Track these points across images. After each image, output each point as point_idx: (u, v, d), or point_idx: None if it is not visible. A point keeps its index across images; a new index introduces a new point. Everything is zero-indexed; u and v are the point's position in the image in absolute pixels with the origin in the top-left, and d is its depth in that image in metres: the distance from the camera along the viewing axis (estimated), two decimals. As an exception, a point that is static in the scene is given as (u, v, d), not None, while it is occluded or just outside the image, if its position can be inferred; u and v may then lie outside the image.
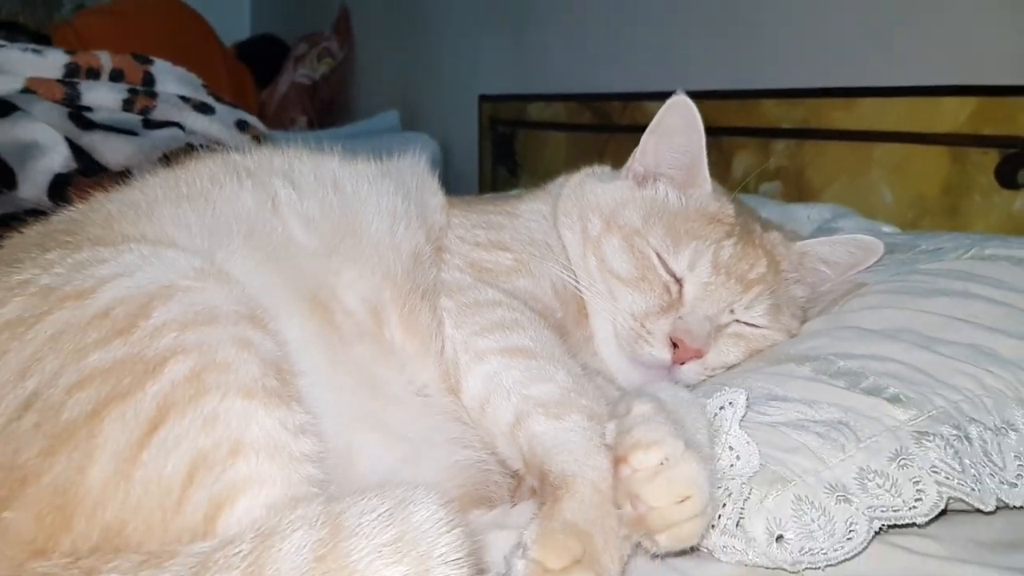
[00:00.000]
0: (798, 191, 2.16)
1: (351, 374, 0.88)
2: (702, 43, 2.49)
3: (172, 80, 1.78)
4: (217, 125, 1.72)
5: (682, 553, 0.82)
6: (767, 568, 0.80)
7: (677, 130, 1.10)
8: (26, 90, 1.55)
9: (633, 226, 1.08)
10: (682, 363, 1.03)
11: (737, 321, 1.07)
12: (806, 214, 1.51)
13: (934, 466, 0.83)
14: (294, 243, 0.94)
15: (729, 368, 1.06)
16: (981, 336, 1.00)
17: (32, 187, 1.35)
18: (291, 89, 4.60)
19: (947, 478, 0.83)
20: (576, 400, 0.88)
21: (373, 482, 0.81)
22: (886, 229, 1.45)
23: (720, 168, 2.35)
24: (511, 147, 3.35)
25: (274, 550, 0.59)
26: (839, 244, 1.14)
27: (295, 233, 0.95)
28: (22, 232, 0.99)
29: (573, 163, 2.94)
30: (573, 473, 0.80)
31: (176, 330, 0.74)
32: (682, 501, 0.72)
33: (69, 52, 1.68)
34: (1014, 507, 0.89)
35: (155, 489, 0.67)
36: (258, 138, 1.80)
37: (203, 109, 1.71)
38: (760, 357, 1.05)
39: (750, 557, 0.81)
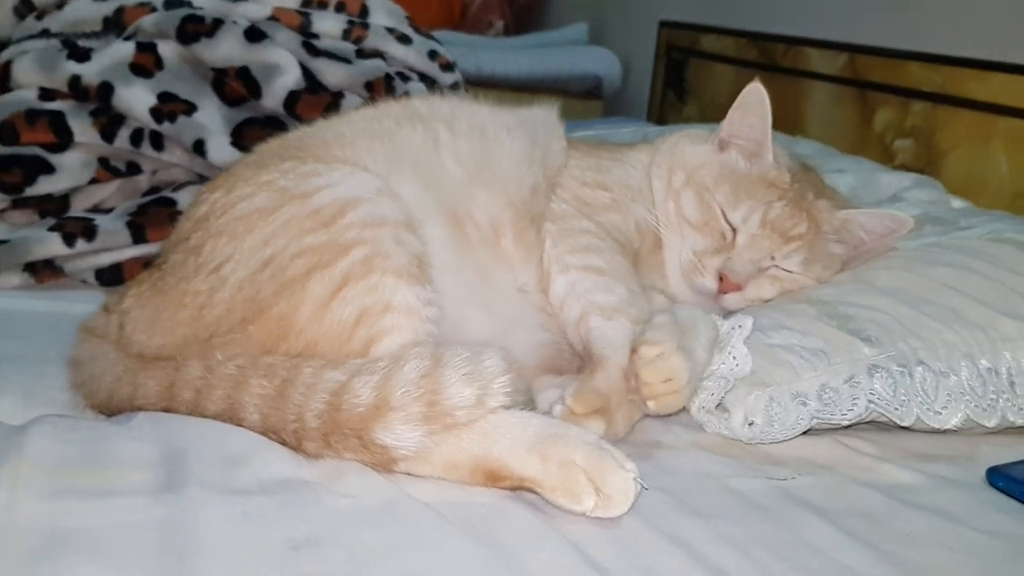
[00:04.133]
0: (927, 151, 2.35)
1: (471, 268, 1.28)
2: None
3: (382, 12, 2.18)
4: (413, 54, 2.11)
5: (684, 425, 1.19)
6: (730, 439, 1.15)
7: (751, 110, 1.40)
8: (272, 17, 1.99)
9: (705, 183, 1.40)
10: (725, 293, 1.35)
11: (776, 266, 1.37)
12: (888, 180, 1.75)
13: (872, 390, 1.15)
14: (446, 173, 1.33)
15: (765, 302, 1.38)
16: (960, 302, 1.27)
17: (272, 99, 1.79)
18: (492, -7, 4.91)
19: (879, 400, 1.14)
20: (626, 308, 1.23)
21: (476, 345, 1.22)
22: (956, 204, 1.68)
23: (863, 119, 2.56)
24: (682, 74, 3.60)
25: (400, 366, 1.00)
26: (875, 216, 1.42)
27: (448, 166, 1.33)
28: (267, 142, 1.43)
29: (734, 96, 3.22)
30: (607, 356, 1.17)
31: (359, 228, 1.14)
32: (665, 381, 1.08)
33: (305, -15, 2.12)
34: (943, 431, 1.19)
35: (336, 326, 1.09)
36: (446, 65, 2.18)
37: (403, 40, 2.10)
38: (789, 296, 1.36)
39: (725, 432, 1.16)
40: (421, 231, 1.22)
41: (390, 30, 2.10)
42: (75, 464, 0.96)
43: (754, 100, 1.40)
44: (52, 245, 1.56)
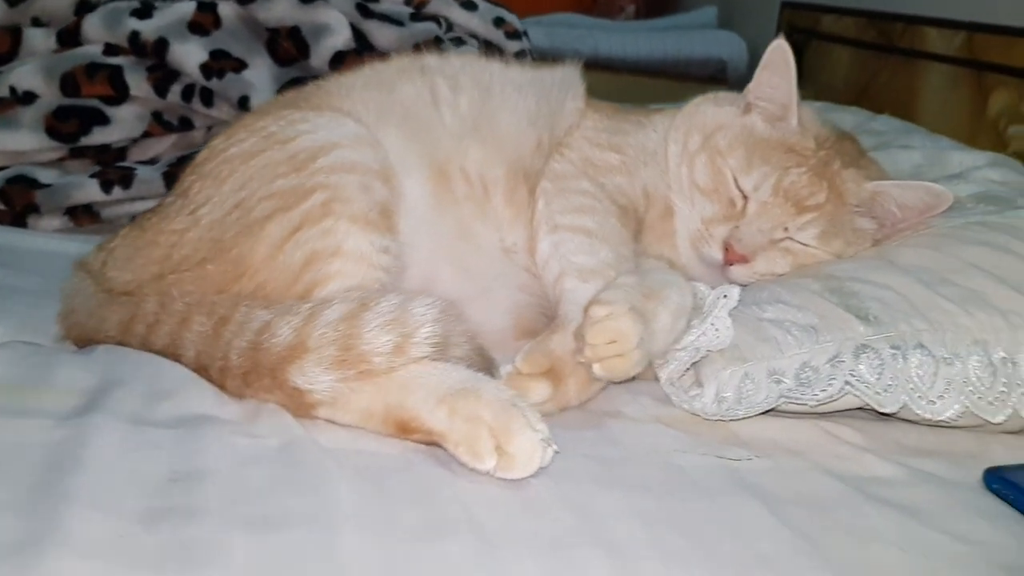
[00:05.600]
0: (1043, 138, 2.13)
1: (451, 224, 1.23)
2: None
3: (452, -22, 2.17)
4: (477, 20, 2.08)
5: (654, 398, 1.11)
6: (691, 414, 1.07)
7: (775, 70, 1.29)
8: (333, -21, 2.01)
9: (719, 147, 1.30)
10: (731, 264, 1.25)
11: (790, 239, 1.26)
12: (959, 158, 1.58)
13: (853, 371, 1.03)
14: (441, 126, 1.29)
15: (778, 276, 1.27)
16: (985, 283, 1.13)
17: (319, 59, 1.80)
18: (624, -24, 4.82)
19: (858, 382, 1.02)
20: (605, 271, 1.16)
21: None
22: (1032, 185, 1.50)
23: (975, 104, 2.35)
24: (801, 57, 3.40)
25: (327, 308, 0.97)
26: (910, 188, 1.28)
27: (444, 119, 1.29)
28: (284, 94, 1.43)
29: (852, 80, 3.03)
30: (570, 319, 1.10)
31: (326, 172, 1.12)
32: (610, 343, 1.00)
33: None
34: (941, 424, 1.06)
35: (286, 268, 1.07)
36: (513, 32, 2.14)
37: (467, 6, 2.07)
38: (802, 270, 1.25)
39: (685, 405, 1.07)
40: (398, 181, 1.19)
41: (455, -4, 2.08)
42: (11, 385, 0.98)
43: (778, 59, 1.29)
44: (90, 191, 1.62)
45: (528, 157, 1.31)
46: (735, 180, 1.27)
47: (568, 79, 1.43)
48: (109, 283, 1.16)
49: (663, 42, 3.90)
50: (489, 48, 2.11)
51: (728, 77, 3.87)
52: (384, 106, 1.28)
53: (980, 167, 1.55)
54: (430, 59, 1.40)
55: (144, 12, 1.83)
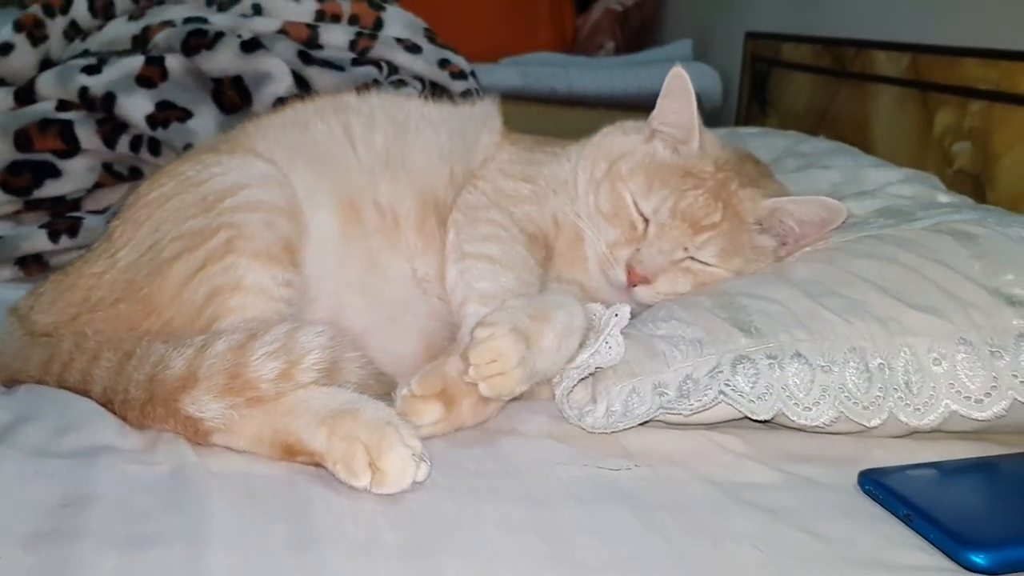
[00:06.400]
0: (984, 154, 2.17)
1: (359, 256, 1.28)
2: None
3: (399, 24, 2.23)
4: (421, 63, 2.15)
5: (549, 415, 1.15)
6: (582, 430, 1.11)
7: (675, 96, 1.34)
8: (281, 31, 2.09)
9: (621, 174, 1.35)
10: (634, 285, 1.30)
11: (690, 258, 1.31)
12: (875, 176, 1.62)
13: (728, 381, 1.07)
14: (354, 161, 1.34)
15: (681, 295, 1.31)
16: (868, 294, 1.17)
17: (261, 106, 1.87)
18: (603, 15, 4.89)
19: (732, 391, 1.06)
20: (505, 296, 1.20)
21: (355, 332, 1.23)
22: (944, 198, 1.54)
23: (922, 123, 2.40)
24: (764, 85, 3.48)
25: (218, 339, 1.02)
26: (805, 203, 1.32)
27: (358, 154, 1.35)
28: (212, 140, 1.50)
29: (813, 105, 3.07)
30: (466, 342, 1.14)
31: (232, 212, 1.18)
32: (491, 362, 1.04)
33: (319, 0, 2.20)
34: (815, 429, 1.10)
35: (191, 304, 1.12)
36: (459, 73, 2.21)
37: (412, 49, 2.14)
38: (701, 288, 1.29)
39: (573, 420, 1.12)
40: (307, 217, 1.25)
41: (400, 40, 2.15)
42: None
43: (677, 86, 1.34)
44: (38, 241, 1.69)
45: (440, 189, 1.37)
46: (635, 204, 1.32)
47: (484, 113, 1.49)
48: (33, 326, 1.22)
49: (637, 76, 3.96)
50: (435, 89, 2.18)
51: (704, 107, 3.93)
52: (296, 145, 1.34)
53: (893, 183, 1.59)
54: (349, 98, 1.46)
55: (95, 68, 1.90)
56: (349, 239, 1.29)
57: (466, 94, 2.21)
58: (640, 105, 4.05)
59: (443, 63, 2.18)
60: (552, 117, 3.76)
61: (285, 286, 1.15)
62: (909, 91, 2.51)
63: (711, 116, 3.96)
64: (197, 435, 1.02)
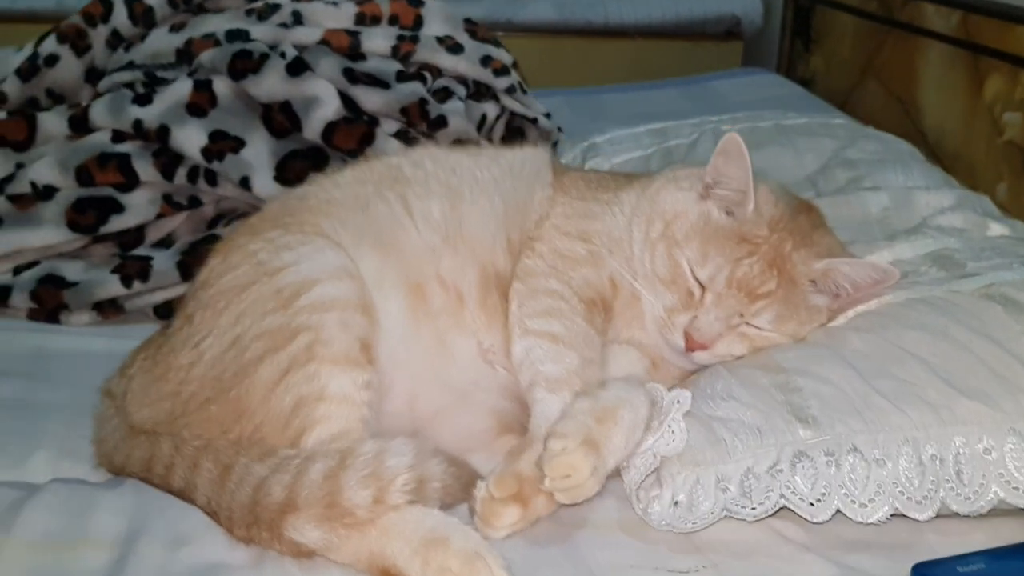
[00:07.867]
0: (1034, 126, 2.16)
1: (428, 337, 1.35)
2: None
3: (438, 20, 2.22)
4: (464, 62, 2.15)
5: (618, 498, 1.23)
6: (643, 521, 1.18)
7: (730, 159, 1.36)
8: (323, 41, 2.09)
9: (676, 238, 1.38)
10: (692, 351, 1.35)
11: (746, 323, 1.35)
12: (925, 200, 1.64)
13: (788, 483, 1.14)
14: (414, 238, 1.39)
15: (737, 358, 1.37)
16: (922, 376, 1.21)
17: (311, 131, 1.89)
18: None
19: (792, 494, 1.13)
20: (572, 380, 1.27)
21: (428, 415, 1.31)
22: (994, 229, 1.55)
23: (971, 88, 2.37)
24: (808, 22, 3.40)
25: (308, 465, 1.11)
26: (858, 266, 1.35)
27: (416, 232, 1.39)
28: (273, 201, 1.55)
29: (858, 48, 3.00)
30: (537, 435, 1.22)
31: (308, 312, 1.24)
32: (565, 477, 1.12)
33: (358, 1, 2.19)
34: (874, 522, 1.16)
35: (279, 412, 1.20)
36: (501, 68, 2.21)
37: (454, 49, 2.14)
38: (757, 355, 1.35)
39: (641, 514, 1.19)
40: (377, 306, 1.31)
41: (441, 40, 2.15)
42: (51, 540, 1.14)
43: (732, 150, 1.36)
44: (112, 287, 1.76)
45: (500, 259, 1.41)
46: (692, 271, 1.36)
47: (535, 165, 1.52)
48: (130, 418, 1.31)
49: (675, 3, 3.88)
50: (479, 88, 2.19)
51: (743, 31, 3.85)
52: (361, 226, 1.38)
53: (944, 210, 1.61)
54: (403, 164, 1.49)
55: (145, 98, 1.93)
56: (418, 322, 1.35)
57: (510, 90, 2.22)
58: (680, 33, 3.98)
59: (485, 60, 2.18)
60: (589, 50, 3.72)
61: (365, 388, 1.22)
62: (958, 52, 2.47)
63: (752, 39, 3.89)
64: (300, 554, 1.11)
